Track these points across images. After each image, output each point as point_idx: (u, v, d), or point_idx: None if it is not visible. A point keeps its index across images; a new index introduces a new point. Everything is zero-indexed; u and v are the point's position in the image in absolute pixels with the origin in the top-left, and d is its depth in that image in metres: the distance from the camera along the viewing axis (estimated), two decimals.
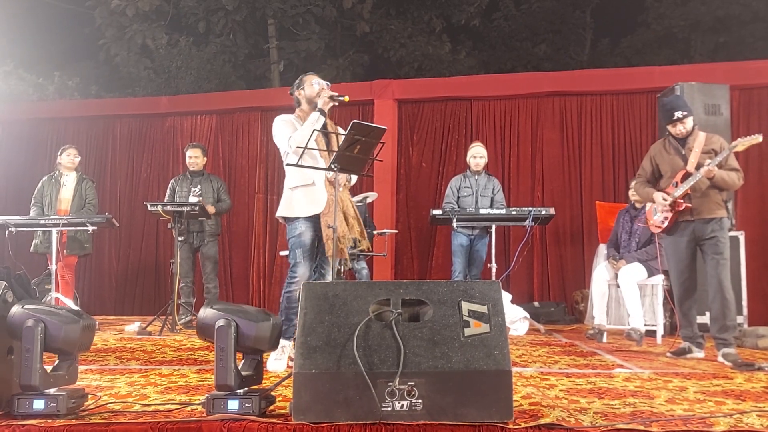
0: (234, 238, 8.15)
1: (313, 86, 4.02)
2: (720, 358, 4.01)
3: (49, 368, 2.48)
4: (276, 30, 13.40)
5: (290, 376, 2.30)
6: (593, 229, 6.90)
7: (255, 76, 14.06)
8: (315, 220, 3.86)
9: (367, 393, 2.20)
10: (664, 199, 4.20)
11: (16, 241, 6.41)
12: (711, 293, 4.10)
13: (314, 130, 3.74)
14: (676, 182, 4.20)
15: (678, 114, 4.17)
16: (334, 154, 3.87)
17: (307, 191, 3.89)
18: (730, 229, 4.29)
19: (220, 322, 2.40)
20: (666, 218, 4.25)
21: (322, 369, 2.25)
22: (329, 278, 3.79)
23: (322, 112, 3.88)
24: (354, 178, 4.11)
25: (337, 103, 3.94)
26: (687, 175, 4.15)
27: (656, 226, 4.36)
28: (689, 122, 4.20)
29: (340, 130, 4.10)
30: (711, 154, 4.12)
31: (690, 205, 4.13)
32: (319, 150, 3.87)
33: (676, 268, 4.31)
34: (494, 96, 7.75)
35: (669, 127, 4.27)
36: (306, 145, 3.77)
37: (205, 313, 2.48)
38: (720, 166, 4.08)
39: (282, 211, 3.95)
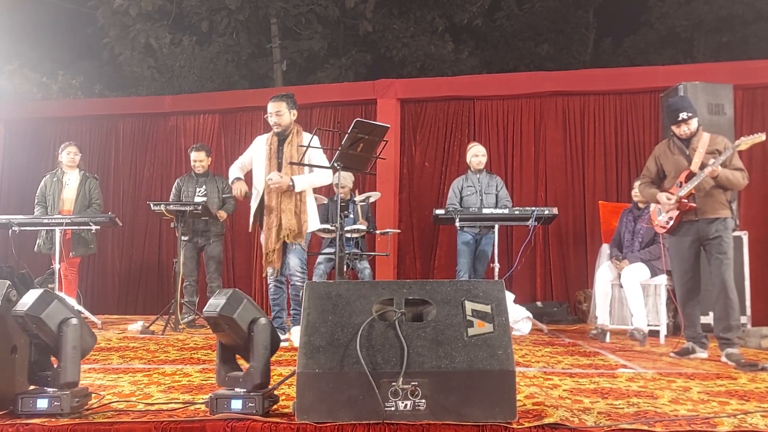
0: (237, 237, 8.15)
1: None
2: (723, 359, 4.00)
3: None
4: (279, 29, 13.41)
5: (293, 375, 2.31)
6: (596, 229, 6.89)
7: (258, 75, 14.07)
8: None
9: (370, 393, 2.20)
10: (668, 199, 4.20)
11: (20, 240, 6.42)
12: (715, 293, 4.09)
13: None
14: (680, 182, 4.19)
15: (683, 115, 4.16)
16: (337, 152, 3.90)
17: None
18: (734, 229, 4.28)
19: None
20: (671, 218, 4.24)
21: (325, 369, 2.25)
22: (294, 272, 4.67)
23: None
24: (302, 186, 4.61)
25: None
26: (691, 175, 4.14)
27: (661, 227, 4.35)
28: (694, 123, 4.19)
29: (306, 138, 4.52)
30: (715, 154, 4.10)
31: (694, 204, 4.13)
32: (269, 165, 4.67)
33: (679, 268, 4.31)
34: (497, 96, 7.74)
35: (673, 128, 4.26)
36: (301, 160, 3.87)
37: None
38: (725, 165, 4.07)
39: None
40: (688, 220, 4.19)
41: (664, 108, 4.41)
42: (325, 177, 4.67)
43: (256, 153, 4.84)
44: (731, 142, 4.19)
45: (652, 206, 4.47)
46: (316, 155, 4.55)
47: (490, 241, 5.96)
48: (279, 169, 4.59)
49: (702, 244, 4.20)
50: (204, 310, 2.48)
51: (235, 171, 4.90)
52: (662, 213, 4.32)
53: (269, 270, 4.71)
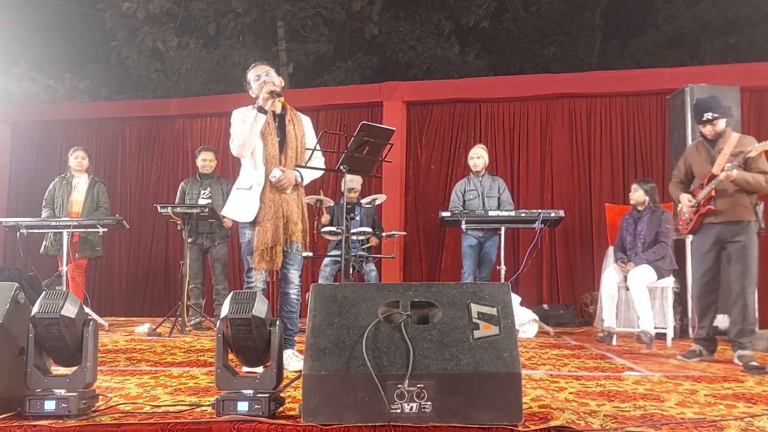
0: None
1: (257, 81, 3.83)
2: (736, 360, 4.00)
3: (62, 370, 2.52)
4: (285, 32, 13.43)
5: (300, 377, 2.31)
6: (602, 232, 6.87)
7: None
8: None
9: (376, 395, 2.20)
10: (689, 201, 4.20)
11: (27, 242, 6.46)
12: (733, 297, 4.08)
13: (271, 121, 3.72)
14: (702, 184, 4.18)
15: (707, 115, 4.13)
16: (343, 155, 3.89)
17: (245, 195, 3.75)
18: (759, 233, 4.21)
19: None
20: (691, 219, 4.25)
21: (331, 371, 2.26)
22: (291, 285, 3.80)
23: (261, 110, 3.66)
24: (307, 178, 3.92)
25: (276, 99, 3.71)
26: (712, 177, 4.12)
27: (684, 228, 4.36)
28: (720, 124, 4.15)
29: (304, 120, 3.96)
30: (739, 156, 4.05)
31: (712, 207, 4.10)
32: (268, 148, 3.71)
33: (699, 267, 4.30)
34: (503, 98, 7.74)
35: (700, 127, 4.26)
36: (315, 147, 3.83)
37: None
38: (749, 168, 4.03)
39: (224, 210, 3.88)
40: (709, 222, 4.17)
41: (693, 106, 4.36)
42: (322, 162, 4.03)
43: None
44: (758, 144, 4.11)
45: (678, 206, 4.46)
46: (315, 142, 3.98)
47: (494, 245, 5.95)
48: (281, 151, 3.75)
49: (723, 247, 4.17)
50: (254, 314, 2.39)
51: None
52: (685, 214, 4.33)
53: (258, 275, 3.71)
